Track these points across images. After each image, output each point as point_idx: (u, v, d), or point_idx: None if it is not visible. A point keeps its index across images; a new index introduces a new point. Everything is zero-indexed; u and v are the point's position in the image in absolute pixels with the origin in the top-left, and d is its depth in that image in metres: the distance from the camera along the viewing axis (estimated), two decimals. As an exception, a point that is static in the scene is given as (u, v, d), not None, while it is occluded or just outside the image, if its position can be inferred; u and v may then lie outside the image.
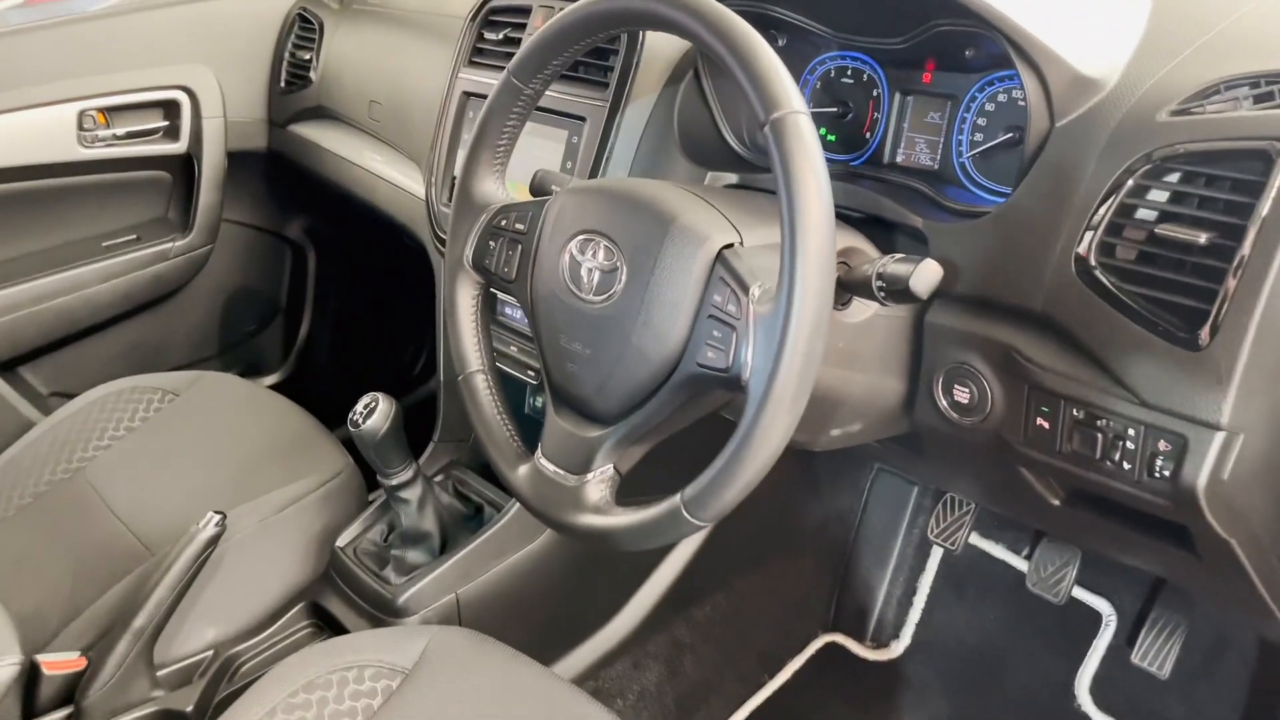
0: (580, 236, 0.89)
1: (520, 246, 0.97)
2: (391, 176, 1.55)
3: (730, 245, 0.82)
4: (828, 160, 0.75)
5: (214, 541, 1.24)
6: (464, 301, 1.03)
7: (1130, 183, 0.82)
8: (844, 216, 1.00)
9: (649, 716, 1.51)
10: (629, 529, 0.83)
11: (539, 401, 1.44)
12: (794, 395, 0.73)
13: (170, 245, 1.87)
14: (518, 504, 1.34)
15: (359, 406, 1.25)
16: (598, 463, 0.89)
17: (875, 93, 1.12)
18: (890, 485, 1.67)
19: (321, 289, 2.13)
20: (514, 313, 1.39)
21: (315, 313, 2.14)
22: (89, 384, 1.91)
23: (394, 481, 1.28)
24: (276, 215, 2.06)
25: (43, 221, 1.79)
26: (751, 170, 1.12)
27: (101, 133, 1.76)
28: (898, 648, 1.63)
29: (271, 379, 2.12)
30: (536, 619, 1.39)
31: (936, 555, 1.65)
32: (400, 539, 1.34)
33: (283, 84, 1.89)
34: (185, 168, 1.88)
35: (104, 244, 1.84)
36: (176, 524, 1.44)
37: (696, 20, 0.78)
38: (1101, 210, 0.83)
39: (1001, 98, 1.02)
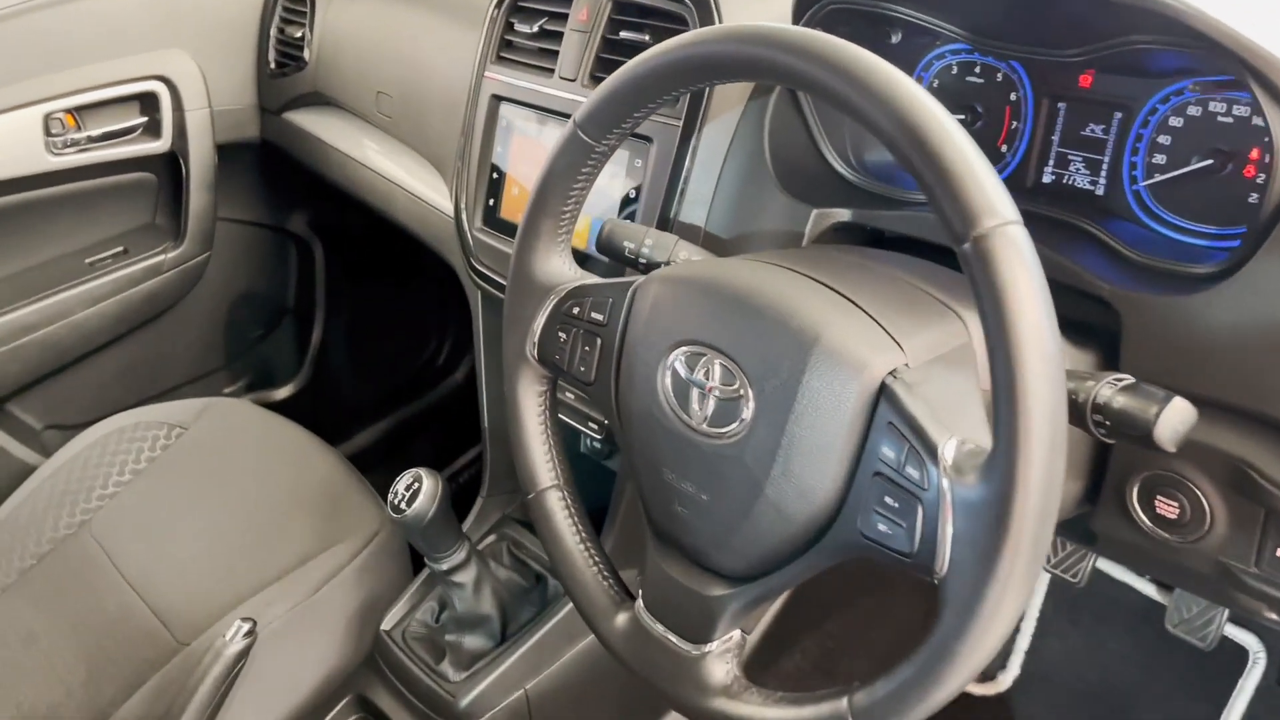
0: (686, 348, 0.69)
1: (600, 341, 0.77)
2: (412, 186, 1.33)
3: (894, 372, 0.62)
4: None
5: (245, 654, 1.07)
6: (528, 401, 0.84)
7: None
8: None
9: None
10: None
11: (596, 444, 1.25)
12: (1012, 607, 0.55)
13: (162, 258, 1.66)
14: None
15: (399, 488, 1.07)
16: (721, 628, 0.71)
17: (1014, 96, 0.90)
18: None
19: (332, 286, 1.92)
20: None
21: (328, 312, 1.93)
22: (85, 413, 1.73)
23: (445, 566, 1.11)
24: (276, 209, 1.84)
25: (14, 242, 1.58)
26: (867, 203, 0.91)
27: (72, 137, 1.54)
28: (1005, 680, 1.47)
29: (286, 390, 1.93)
30: (612, 710, 1.23)
31: (1045, 576, 1.47)
32: (455, 624, 1.17)
33: (272, 65, 1.65)
34: (170, 167, 1.66)
35: (88, 261, 1.63)
36: (196, 598, 1.28)
37: (847, 82, 0.57)
38: None
39: (1193, 111, 0.80)
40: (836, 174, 0.95)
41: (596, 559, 0.80)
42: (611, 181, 1.04)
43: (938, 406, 0.60)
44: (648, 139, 1.00)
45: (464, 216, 1.20)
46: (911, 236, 0.86)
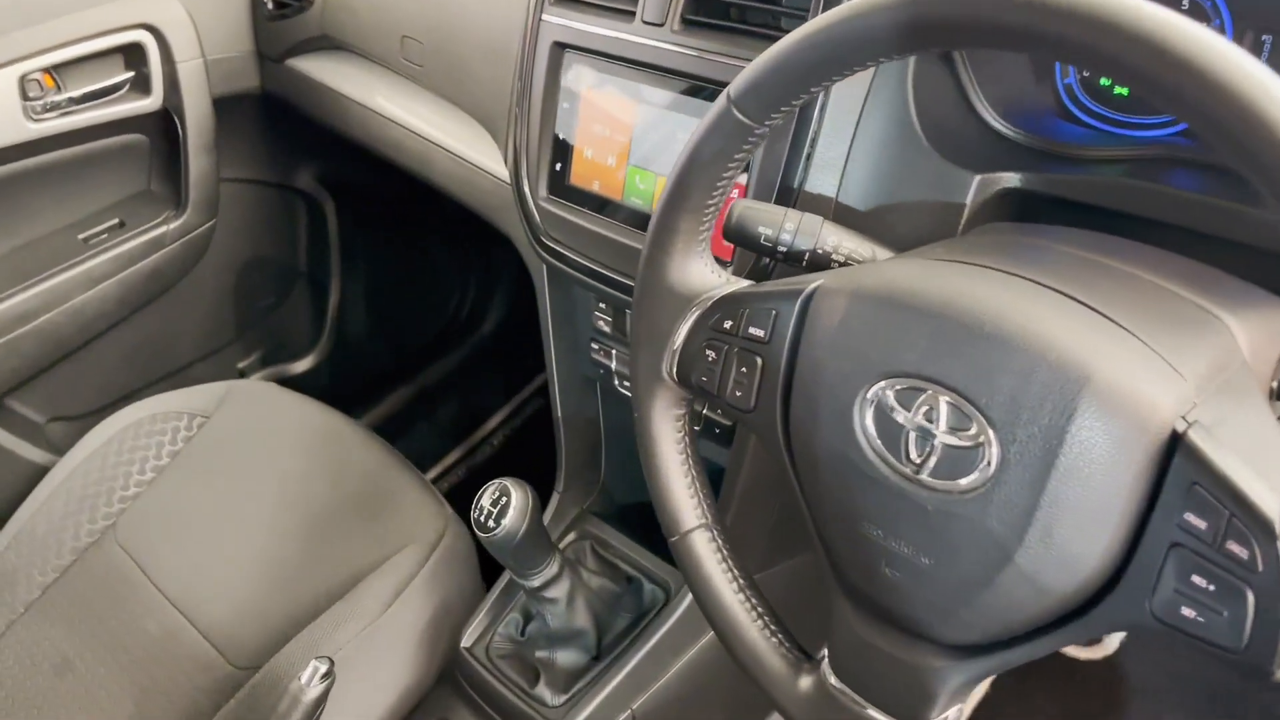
0: (898, 382, 0.56)
1: (761, 362, 0.64)
2: (455, 148, 1.17)
3: (1187, 415, 0.50)
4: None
5: (324, 698, 0.96)
6: (664, 428, 0.71)
7: None
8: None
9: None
10: None
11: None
12: None
13: (164, 229, 1.50)
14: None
15: (483, 503, 0.95)
16: (940, 705, 0.60)
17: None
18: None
19: (346, 244, 1.76)
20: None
21: (344, 274, 1.78)
22: (90, 402, 1.59)
23: (537, 583, 0.99)
24: (280, 165, 1.67)
25: (-1, 222, 1.42)
26: (1038, 165, 0.77)
27: (52, 99, 1.37)
28: (1111, 643, 1.39)
29: (306, 362, 1.78)
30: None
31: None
32: (546, 640, 1.06)
33: (270, 5, 1.47)
34: (164, 126, 1.49)
35: (81, 237, 1.47)
36: (248, 617, 1.16)
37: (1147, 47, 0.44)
38: None
39: None
40: (993, 131, 0.81)
41: (761, 611, 0.69)
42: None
43: (1255, 459, 0.48)
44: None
45: (525, 184, 1.05)
46: (1092, 204, 0.73)
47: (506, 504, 0.94)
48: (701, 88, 0.90)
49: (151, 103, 1.44)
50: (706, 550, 0.70)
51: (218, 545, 1.24)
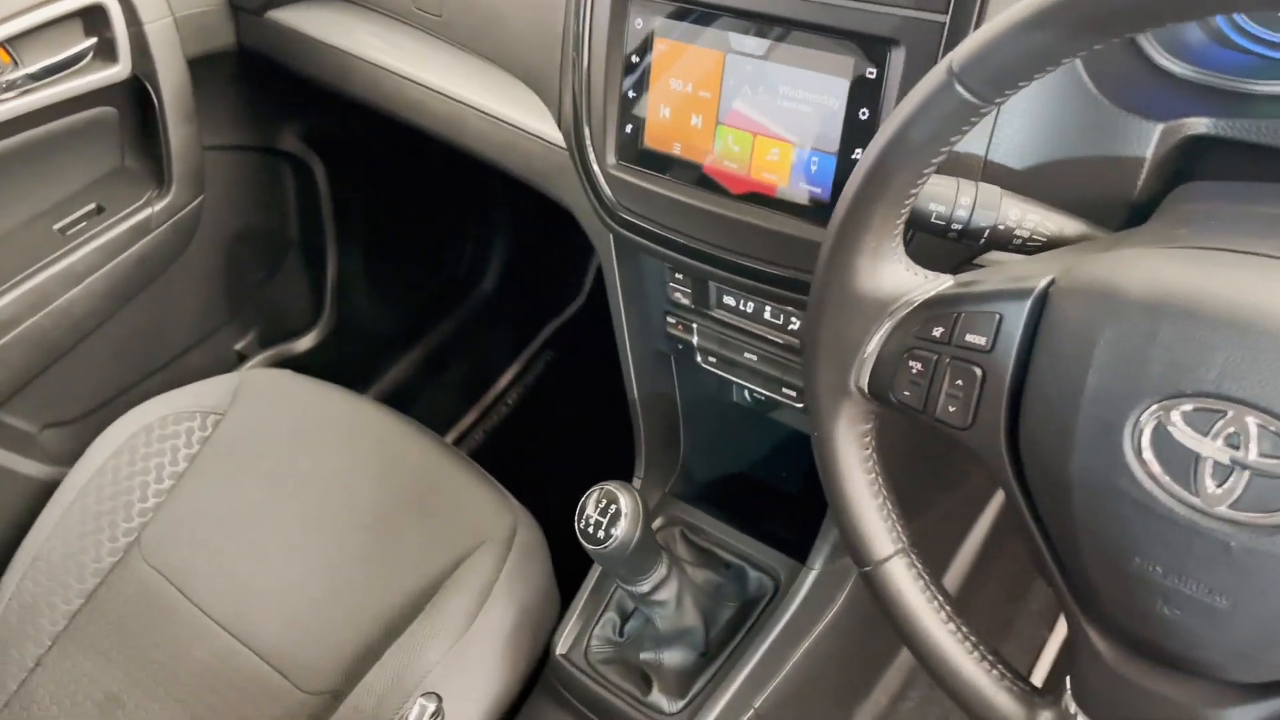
0: (1188, 403, 0.49)
1: (980, 373, 0.56)
2: (494, 110, 1.05)
3: None
4: None
5: (436, 738, 0.88)
6: (848, 445, 0.63)
7: None
8: None
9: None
10: None
11: (752, 395, 1.05)
12: None
13: (149, 212, 1.35)
14: (806, 567, 0.99)
15: (589, 513, 0.86)
16: (1219, 747, 0.54)
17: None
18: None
19: (340, 207, 1.63)
20: (734, 300, 0.96)
21: (340, 240, 1.65)
22: (84, 403, 1.46)
23: (646, 588, 0.91)
24: (261, 126, 1.52)
25: (-37, 219, 1.27)
26: (1226, 109, 0.69)
27: (9, 77, 1.21)
28: None
29: (309, 339, 1.66)
30: (834, 707, 1.08)
31: None
32: (653, 641, 0.99)
33: (242, -50, 1.31)
34: (135, 96, 1.33)
35: (57, 227, 1.32)
36: (311, 636, 1.08)
37: None
38: None
39: None
40: (1163, 72, 0.72)
41: (974, 642, 0.62)
42: (821, 99, 0.79)
43: None
44: (889, 42, 0.75)
45: (589, 150, 0.93)
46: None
47: (617, 511, 0.86)
48: (828, 41, 0.79)
49: (119, 71, 1.28)
50: (907, 579, 0.62)
51: (260, 557, 1.15)
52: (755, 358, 0.96)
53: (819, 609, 0.97)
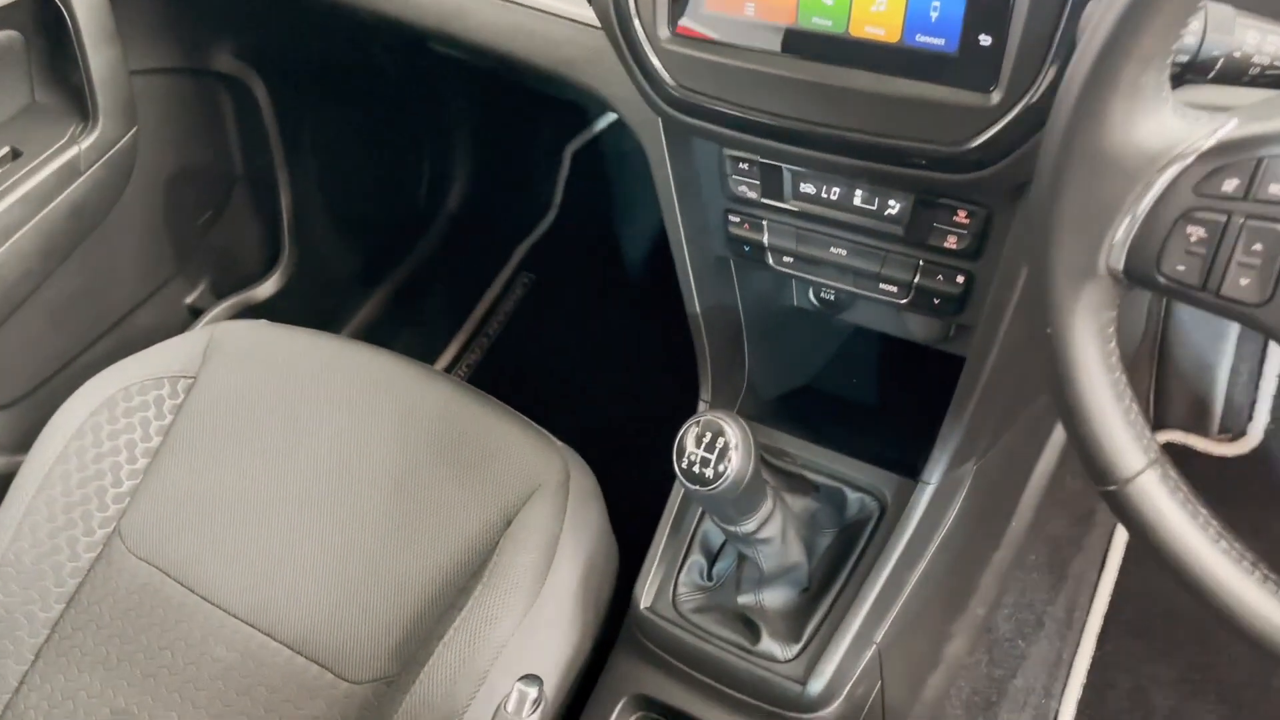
0: None
1: (1284, 233, 0.44)
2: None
3: None
4: None
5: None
6: (1091, 340, 0.51)
7: None
8: None
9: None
10: None
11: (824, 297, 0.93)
12: None
13: (75, 151, 1.16)
14: (920, 482, 0.88)
15: (689, 447, 0.74)
16: None
17: None
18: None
19: (288, 134, 1.44)
20: (814, 187, 0.83)
21: (291, 170, 1.46)
22: (24, 381, 1.28)
23: (752, 526, 0.80)
24: (190, 43, 1.32)
25: None
26: None
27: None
28: (1255, 433, 1.29)
29: (271, 283, 1.48)
30: (943, 625, 0.99)
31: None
32: (751, 583, 0.88)
33: None
34: (42, 15, 1.13)
35: (-34, 178, 1.12)
36: (342, 615, 0.95)
37: None
38: None
39: None
40: None
41: (1253, 561, 0.51)
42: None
43: None
44: None
45: (634, 23, 0.78)
46: None
47: (725, 445, 0.73)
48: None
49: (19, -16, 1.08)
50: (1163, 495, 0.51)
51: (267, 535, 1.00)
52: (844, 252, 0.84)
53: (932, 526, 0.87)
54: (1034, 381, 0.93)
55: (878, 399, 1.06)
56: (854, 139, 0.72)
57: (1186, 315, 1.29)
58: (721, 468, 0.73)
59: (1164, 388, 1.31)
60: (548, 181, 1.81)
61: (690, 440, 0.74)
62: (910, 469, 0.89)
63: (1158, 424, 1.32)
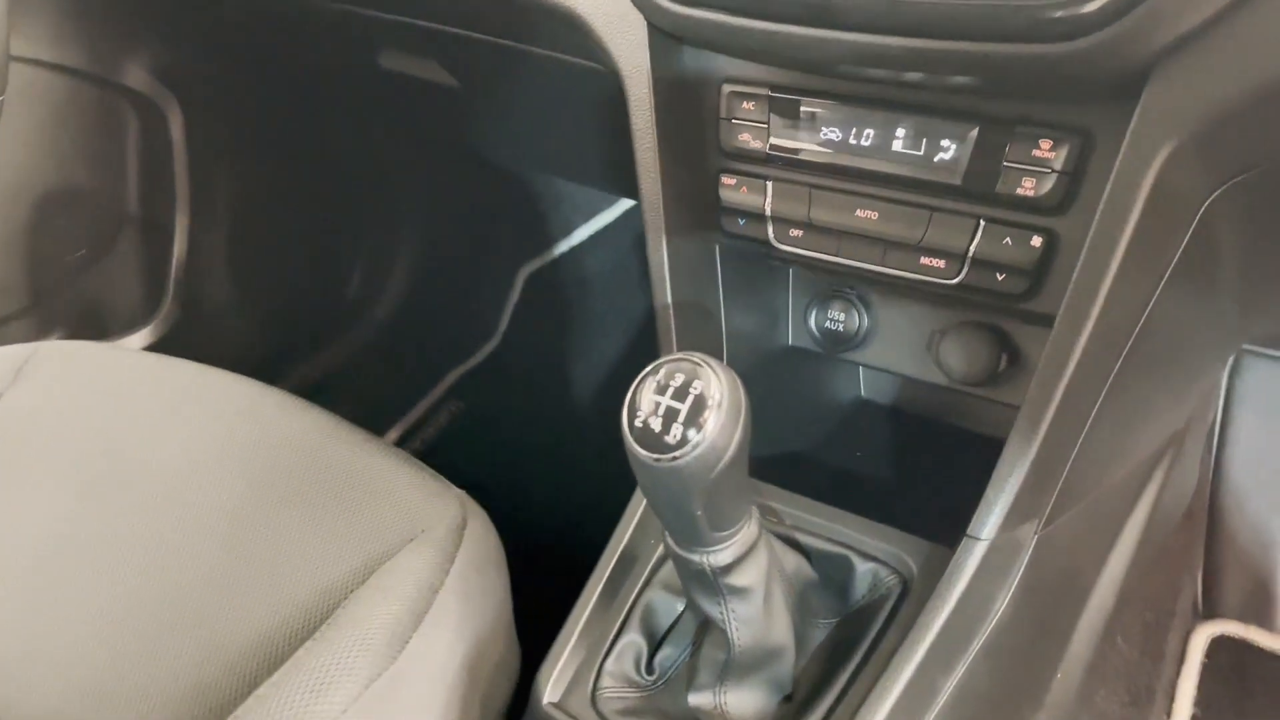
0: None
1: None
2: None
3: None
4: None
5: None
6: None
7: None
8: None
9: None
10: None
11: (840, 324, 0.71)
12: None
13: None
14: (968, 537, 0.61)
15: (648, 396, 0.49)
16: None
17: None
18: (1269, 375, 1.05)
19: (198, 171, 1.23)
20: (839, 131, 0.63)
21: (194, 214, 1.24)
22: None
23: (728, 556, 0.54)
24: (100, 46, 1.14)
25: None
26: None
27: None
28: None
29: (140, 336, 1.22)
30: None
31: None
32: (710, 674, 0.59)
33: None
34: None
35: None
36: (112, 686, 0.65)
37: None
38: None
39: None
40: None
41: None
42: None
43: None
44: None
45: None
46: None
47: (701, 398, 0.48)
48: None
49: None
50: None
51: (53, 585, 0.71)
52: (874, 215, 0.62)
53: (980, 608, 0.60)
54: (1145, 403, 0.69)
55: (887, 451, 0.81)
56: (911, 50, 0.53)
57: (1241, 476, 1.07)
58: (693, 431, 0.47)
59: (1216, 565, 1.06)
60: (495, 303, 1.59)
61: (648, 389, 0.49)
62: (947, 534, 0.63)
63: (1209, 611, 1.06)
